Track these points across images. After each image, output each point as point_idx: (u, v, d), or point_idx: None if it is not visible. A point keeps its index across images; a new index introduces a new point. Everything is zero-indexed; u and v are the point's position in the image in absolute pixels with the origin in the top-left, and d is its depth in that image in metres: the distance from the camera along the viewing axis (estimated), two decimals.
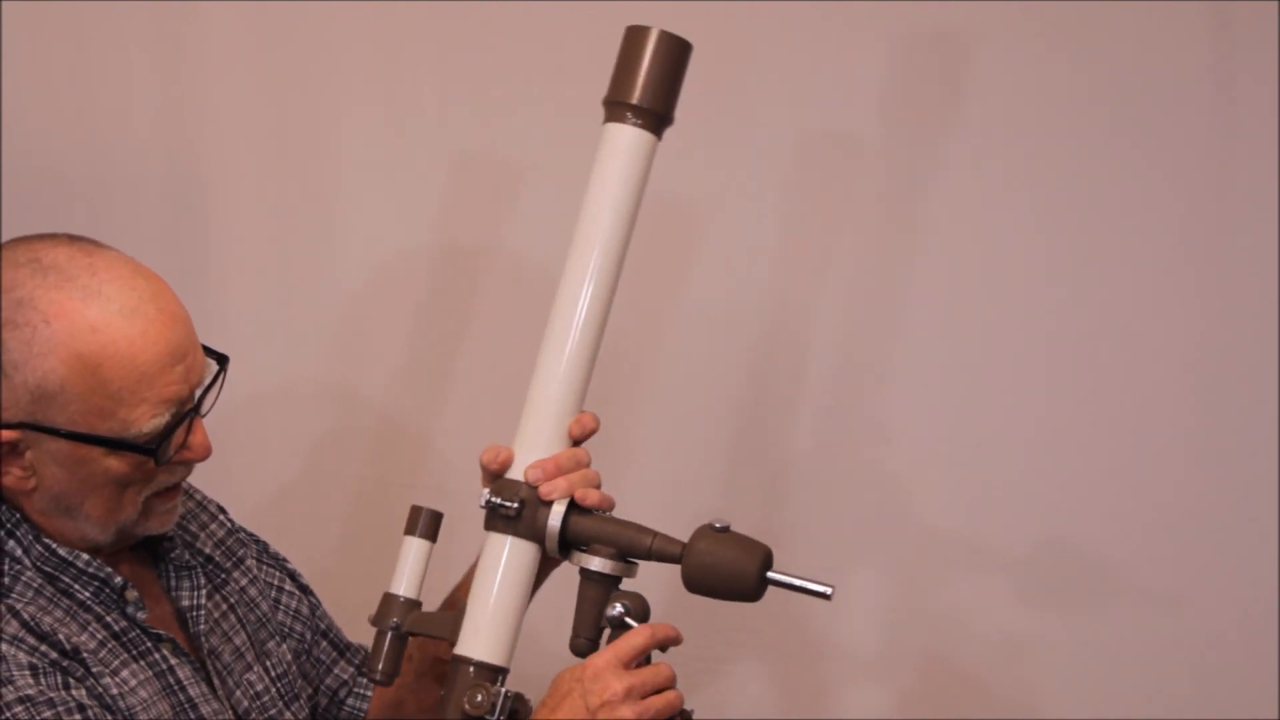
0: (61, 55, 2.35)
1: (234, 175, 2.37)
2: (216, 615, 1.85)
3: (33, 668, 1.62)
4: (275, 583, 1.96)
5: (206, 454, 1.73)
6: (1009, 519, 2.27)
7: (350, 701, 1.99)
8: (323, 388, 2.40)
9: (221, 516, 1.94)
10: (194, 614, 1.81)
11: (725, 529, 1.65)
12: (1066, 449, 2.26)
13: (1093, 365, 2.24)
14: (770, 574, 1.64)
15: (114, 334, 1.64)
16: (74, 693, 1.63)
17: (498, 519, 1.70)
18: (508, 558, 1.70)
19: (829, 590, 1.64)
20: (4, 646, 1.62)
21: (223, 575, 1.88)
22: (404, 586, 1.74)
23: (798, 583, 1.65)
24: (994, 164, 2.24)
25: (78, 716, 1.61)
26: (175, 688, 1.73)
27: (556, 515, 1.68)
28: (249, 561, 1.93)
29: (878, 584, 2.29)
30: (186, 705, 1.74)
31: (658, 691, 1.64)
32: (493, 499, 1.69)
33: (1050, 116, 2.21)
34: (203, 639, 1.80)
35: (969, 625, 2.28)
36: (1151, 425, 2.24)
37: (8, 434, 1.65)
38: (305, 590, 1.99)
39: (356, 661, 2.00)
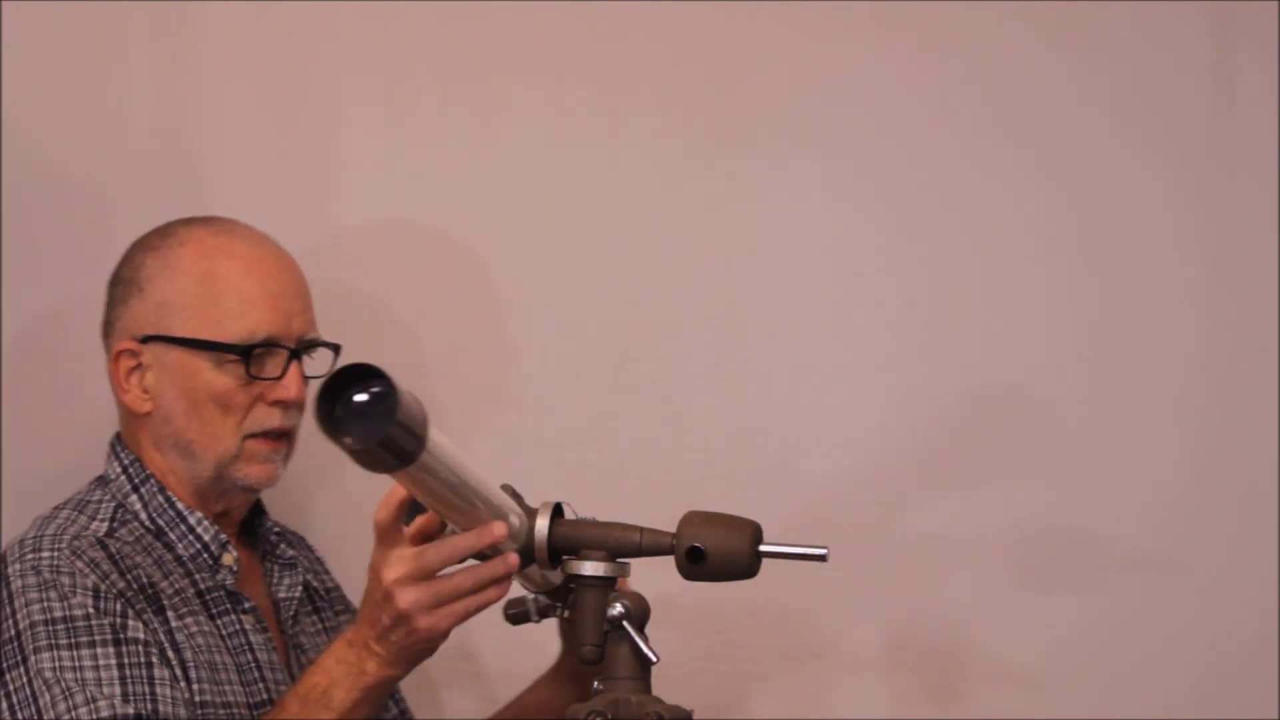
0: (61, 55, 2.35)
1: (234, 175, 2.36)
2: (312, 631, 1.93)
3: (95, 590, 1.69)
4: None
5: (298, 395, 1.86)
6: (1009, 518, 2.27)
7: None
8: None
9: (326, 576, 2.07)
10: (288, 602, 1.90)
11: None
12: (1067, 448, 2.25)
13: (1093, 364, 2.24)
14: (763, 547, 1.66)
15: (237, 260, 1.86)
16: (130, 623, 1.68)
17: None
18: None
19: (824, 551, 1.65)
20: (79, 563, 1.71)
21: (331, 610, 2.00)
22: None
23: (791, 550, 1.66)
24: (994, 163, 2.23)
25: (111, 649, 1.67)
26: (245, 648, 1.81)
27: (542, 529, 1.69)
28: (344, 616, 2.02)
29: (877, 584, 2.29)
30: (251, 666, 1.80)
31: (460, 597, 1.62)
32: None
33: (1050, 116, 2.21)
34: (289, 625, 1.89)
35: (969, 626, 2.28)
36: (1151, 424, 2.23)
37: (136, 346, 1.83)
38: None
39: None
